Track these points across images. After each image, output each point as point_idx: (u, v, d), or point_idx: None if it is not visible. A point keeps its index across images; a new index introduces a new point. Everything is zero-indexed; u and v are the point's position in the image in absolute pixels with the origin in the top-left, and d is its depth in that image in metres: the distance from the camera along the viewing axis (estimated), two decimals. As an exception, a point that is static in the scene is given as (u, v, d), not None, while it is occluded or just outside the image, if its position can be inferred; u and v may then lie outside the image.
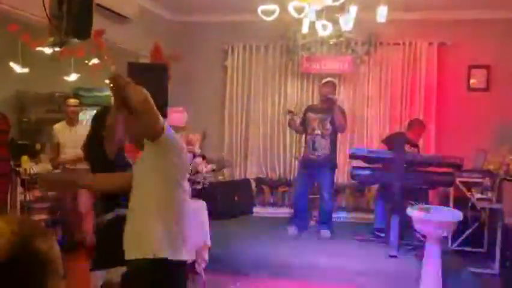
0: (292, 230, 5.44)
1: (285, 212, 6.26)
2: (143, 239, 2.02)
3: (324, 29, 4.53)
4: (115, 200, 2.59)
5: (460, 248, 4.94)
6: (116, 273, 2.42)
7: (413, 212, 3.93)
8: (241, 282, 4.21)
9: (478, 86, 6.05)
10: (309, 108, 5.55)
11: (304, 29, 4.78)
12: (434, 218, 3.80)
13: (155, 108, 1.95)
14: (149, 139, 2.01)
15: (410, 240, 4.86)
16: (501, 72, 5.93)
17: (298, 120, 5.47)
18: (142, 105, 1.96)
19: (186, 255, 2.11)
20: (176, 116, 4.47)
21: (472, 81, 6.08)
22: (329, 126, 5.29)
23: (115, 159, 2.75)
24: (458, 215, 3.83)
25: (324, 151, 5.27)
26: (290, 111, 5.39)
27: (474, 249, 4.99)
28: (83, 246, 4.89)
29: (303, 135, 5.59)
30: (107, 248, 2.51)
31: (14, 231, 0.98)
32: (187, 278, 2.27)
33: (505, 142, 5.53)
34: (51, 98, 6.45)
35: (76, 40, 2.88)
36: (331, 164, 5.36)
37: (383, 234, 5.14)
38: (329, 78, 5.47)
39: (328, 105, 5.22)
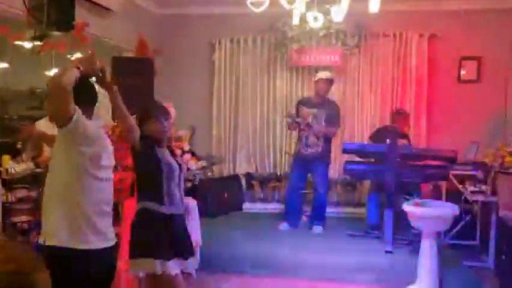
0: (284, 226, 5.35)
1: (275, 207, 6.16)
2: (44, 223, 2.12)
3: (316, 21, 4.41)
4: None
5: (452, 242, 4.89)
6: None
7: (409, 207, 3.85)
8: (234, 281, 4.10)
9: (468, 78, 6.00)
10: (302, 102, 5.45)
11: (295, 21, 4.65)
12: (430, 213, 3.73)
13: (67, 96, 1.95)
14: (57, 124, 2.06)
15: (405, 235, 4.79)
16: (492, 64, 5.88)
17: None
18: (53, 89, 2.01)
19: (100, 243, 2.14)
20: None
21: (462, 72, 6.02)
22: (323, 122, 5.22)
23: None
24: (455, 210, 3.77)
25: (317, 147, 5.21)
26: (291, 115, 5.27)
27: (467, 242, 4.95)
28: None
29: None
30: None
31: None
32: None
33: (496, 134, 5.50)
34: (32, 94, 6.23)
35: (57, 33, 2.74)
36: (325, 159, 5.29)
37: (375, 232, 5.08)
38: (322, 75, 5.35)
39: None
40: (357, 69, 6.19)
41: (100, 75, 2.26)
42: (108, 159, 2.26)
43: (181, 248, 2.76)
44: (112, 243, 2.25)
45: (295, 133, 5.58)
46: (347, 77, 6.23)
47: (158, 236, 2.64)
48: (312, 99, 5.40)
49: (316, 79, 5.37)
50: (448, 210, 3.73)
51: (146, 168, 2.76)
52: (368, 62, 6.16)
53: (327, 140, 5.28)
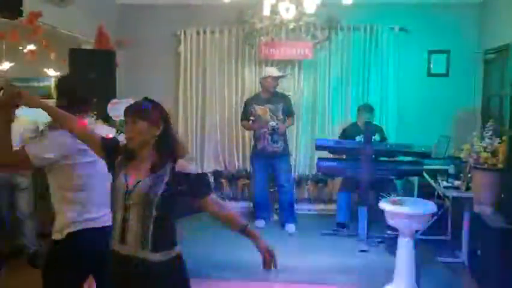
0: (260, 223, 5.23)
1: (245, 206, 5.99)
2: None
3: (287, 12, 4.21)
4: None
5: (424, 237, 4.85)
6: None
7: (385, 205, 3.74)
8: (202, 286, 3.88)
9: (438, 72, 5.98)
10: (251, 101, 5.42)
11: (266, 12, 4.45)
12: (408, 212, 3.63)
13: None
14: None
15: (379, 233, 4.72)
16: (460, 57, 5.88)
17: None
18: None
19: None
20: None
21: (432, 66, 5.99)
22: (281, 115, 5.24)
23: None
24: (432, 207, 3.69)
25: (281, 142, 5.24)
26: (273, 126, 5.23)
27: (437, 238, 4.93)
28: (22, 254, 4.44)
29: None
30: None
31: None
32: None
33: (466, 128, 5.50)
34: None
35: (2, 20, 2.42)
36: (287, 152, 5.36)
37: (344, 229, 4.99)
38: (273, 72, 5.33)
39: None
40: (327, 63, 6.04)
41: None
42: None
43: None
44: None
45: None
46: (316, 71, 6.08)
47: None
48: (260, 96, 5.38)
49: (266, 76, 5.30)
50: (427, 208, 3.64)
51: None
52: (339, 55, 6.03)
53: (285, 135, 5.37)
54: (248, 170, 6.16)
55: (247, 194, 6.18)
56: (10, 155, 2.14)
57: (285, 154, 5.31)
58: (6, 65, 4.63)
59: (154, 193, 1.87)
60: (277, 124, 5.16)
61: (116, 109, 3.95)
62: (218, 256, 4.31)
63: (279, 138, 5.18)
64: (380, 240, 4.67)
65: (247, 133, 6.16)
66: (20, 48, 4.59)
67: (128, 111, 1.95)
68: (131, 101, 4.02)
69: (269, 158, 5.25)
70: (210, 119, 6.24)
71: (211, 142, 6.26)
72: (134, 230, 1.88)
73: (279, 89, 5.47)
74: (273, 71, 5.34)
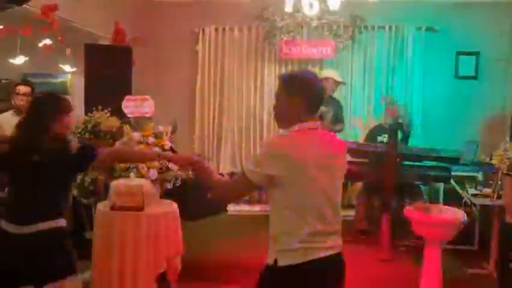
0: None
1: (261, 209, 5.80)
2: None
3: (311, 8, 4.04)
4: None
5: (450, 247, 4.60)
6: None
7: (411, 211, 3.52)
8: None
9: (466, 74, 5.74)
10: None
11: (288, 8, 4.27)
12: (437, 220, 3.40)
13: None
14: None
15: (403, 241, 4.48)
16: (490, 59, 5.63)
17: None
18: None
19: None
20: (142, 104, 3.89)
21: (460, 68, 5.75)
22: (329, 119, 5.04)
23: None
24: (462, 215, 3.45)
25: None
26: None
27: (464, 247, 4.67)
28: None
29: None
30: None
31: None
32: None
33: (494, 133, 5.27)
34: (-2, 86, 5.70)
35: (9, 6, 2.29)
36: None
37: (363, 237, 4.77)
38: (332, 75, 5.15)
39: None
40: (350, 63, 5.85)
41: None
42: None
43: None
44: None
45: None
46: (338, 71, 5.88)
47: None
48: None
49: (325, 76, 5.10)
50: (457, 216, 3.40)
51: None
52: (362, 55, 5.83)
53: None
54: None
55: (264, 198, 6.00)
56: None
57: None
58: (21, 59, 4.53)
59: None
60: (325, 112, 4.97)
61: (131, 106, 3.83)
62: (234, 260, 4.14)
63: None
64: (404, 249, 4.44)
65: (265, 134, 5.99)
66: (36, 43, 4.49)
67: None
68: (148, 99, 3.95)
69: None
70: (227, 119, 6.09)
71: (228, 143, 6.11)
72: None
73: None
74: (335, 75, 5.17)
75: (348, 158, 4.99)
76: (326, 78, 5.09)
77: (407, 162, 4.56)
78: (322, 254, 1.82)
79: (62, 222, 2.29)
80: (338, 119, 5.11)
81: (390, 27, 5.74)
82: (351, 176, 4.93)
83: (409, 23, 5.72)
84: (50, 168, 2.23)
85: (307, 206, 1.79)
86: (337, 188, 1.93)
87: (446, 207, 3.69)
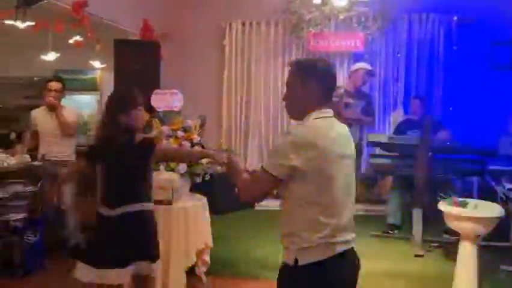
0: None
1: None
2: None
3: (340, -1, 3.96)
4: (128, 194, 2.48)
5: (485, 243, 4.45)
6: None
7: (446, 206, 3.41)
8: (246, 287, 3.70)
9: (501, 64, 5.53)
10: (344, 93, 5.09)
11: (316, 0, 4.20)
12: (472, 214, 3.29)
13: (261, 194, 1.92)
14: None
15: (435, 237, 4.37)
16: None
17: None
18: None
19: None
20: (172, 98, 3.91)
21: (495, 58, 5.55)
22: (359, 112, 4.96)
23: None
24: (499, 211, 3.33)
25: (355, 138, 4.81)
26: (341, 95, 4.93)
27: (500, 244, 4.51)
28: (65, 246, 4.41)
29: None
30: (107, 246, 2.48)
31: None
32: None
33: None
34: (30, 83, 5.83)
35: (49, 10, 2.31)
36: (359, 151, 5.01)
37: (396, 231, 4.67)
38: (363, 65, 5.05)
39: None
40: (380, 55, 5.72)
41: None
42: None
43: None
44: None
45: None
46: (368, 63, 5.75)
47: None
48: (347, 90, 5.04)
49: (356, 68, 5.06)
50: (494, 211, 3.29)
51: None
52: (392, 47, 5.69)
53: (362, 132, 5.08)
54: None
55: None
56: None
57: (357, 152, 4.94)
58: (52, 56, 4.61)
59: None
60: (349, 100, 4.88)
61: (160, 100, 3.85)
62: (263, 255, 4.10)
63: (352, 132, 4.83)
64: (436, 244, 4.32)
65: (292, 128, 5.93)
66: (67, 40, 4.56)
67: None
68: (177, 93, 3.96)
69: None
70: (254, 114, 6.06)
71: (255, 138, 6.08)
72: None
73: None
74: (363, 65, 5.09)
75: (378, 151, 4.96)
76: (356, 71, 5.01)
77: (439, 156, 4.44)
78: (341, 249, 1.74)
79: (146, 206, 2.51)
80: (368, 112, 4.99)
81: (420, 18, 5.58)
82: (381, 170, 4.85)
83: (441, 13, 5.54)
84: (122, 159, 2.44)
85: (331, 199, 1.70)
86: (353, 179, 1.85)
87: (482, 201, 3.57)
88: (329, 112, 1.80)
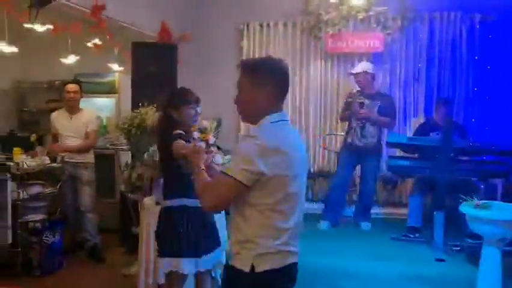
0: (324, 224, 4.93)
1: (307, 207, 5.60)
2: None
3: (357, -3, 3.89)
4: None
5: (510, 248, 4.30)
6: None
7: (468, 209, 3.31)
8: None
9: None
10: (352, 94, 5.06)
11: (332, -1, 4.14)
12: (495, 217, 3.18)
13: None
14: None
15: (457, 241, 4.25)
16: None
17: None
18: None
19: None
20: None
21: (519, 57, 5.39)
22: (376, 113, 4.84)
23: None
24: (525, 213, 3.21)
25: (373, 139, 4.84)
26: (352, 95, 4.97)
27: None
28: (83, 247, 4.45)
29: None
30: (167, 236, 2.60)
31: None
32: None
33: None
34: (51, 86, 5.90)
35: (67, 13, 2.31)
36: (378, 151, 4.94)
37: (417, 235, 4.56)
38: (358, 68, 4.94)
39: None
40: (400, 55, 5.62)
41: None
42: None
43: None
44: None
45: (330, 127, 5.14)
46: (388, 64, 5.67)
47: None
48: (362, 92, 4.97)
49: (356, 72, 4.98)
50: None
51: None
52: (412, 48, 5.58)
53: (380, 132, 4.95)
54: (311, 169, 5.87)
55: (310, 195, 5.89)
56: None
57: (376, 153, 4.90)
58: (72, 59, 4.66)
59: None
60: (363, 98, 4.80)
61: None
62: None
63: (369, 133, 4.82)
64: (458, 248, 4.20)
65: (311, 133, 5.88)
66: (86, 43, 4.60)
67: None
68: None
69: (358, 153, 4.90)
70: (272, 116, 5.99)
71: (273, 140, 6.02)
72: None
73: None
74: (358, 68, 4.98)
75: (399, 152, 4.86)
76: (357, 74, 4.94)
77: (462, 157, 4.33)
78: (293, 260, 1.72)
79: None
80: (387, 113, 4.86)
81: (442, 17, 5.45)
82: (400, 172, 4.75)
83: (463, 12, 5.41)
84: (163, 155, 2.64)
85: (289, 205, 1.66)
86: (305, 187, 1.79)
87: (506, 204, 3.44)
88: (285, 115, 1.75)
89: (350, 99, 4.92)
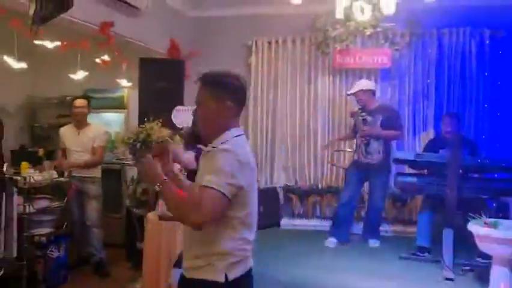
0: (331, 242, 4.85)
1: (315, 224, 5.63)
2: None
3: (362, 12, 3.89)
4: None
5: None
6: None
7: (476, 227, 3.24)
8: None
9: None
10: (359, 111, 5.03)
11: (338, 15, 4.15)
12: (504, 236, 3.10)
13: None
14: None
15: (467, 260, 4.14)
16: None
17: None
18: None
19: None
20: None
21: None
22: (379, 128, 4.78)
23: None
24: (535, 232, 3.13)
25: (378, 155, 4.77)
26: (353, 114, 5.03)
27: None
28: (89, 262, 4.45)
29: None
30: None
31: None
32: None
33: None
34: (62, 102, 6.00)
35: (56, 14, 2.38)
36: (386, 167, 4.84)
37: (426, 254, 4.47)
38: (356, 87, 4.90)
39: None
40: (408, 71, 5.58)
41: None
42: None
43: None
44: None
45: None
46: (396, 81, 5.64)
47: None
48: (364, 109, 4.93)
49: (349, 93, 4.99)
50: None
51: None
52: (421, 64, 5.54)
53: (388, 148, 4.83)
54: (319, 186, 5.83)
55: (318, 212, 5.83)
56: None
57: (383, 169, 4.80)
58: (81, 74, 4.73)
59: None
60: (365, 115, 4.77)
61: (181, 116, 3.88)
62: (286, 276, 3.97)
63: (373, 149, 4.76)
64: (468, 268, 4.09)
65: (319, 147, 5.85)
66: (94, 59, 4.67)
67: None
68: (190, 110, 3.98)
69: (364, 171, 4.84)
70: (280, 132, 5.99)
71: (281, 156, 6.01)
72: None
73: None
74: (356, 87, 4.92)
75: (407, 169, 4.79)
76: (354, 94, 4.91)
77: (472, 174, 4.25)
78: (252, 262, 1.82)
79: None
80: (390, 125, 4.77)
81: (450, 32, 5.42)
82: (408, 189, 4.67)
83: (472, 27, 5.37)
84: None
85: (253, 217, 1.74)
86: None
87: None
88: (241, 130, 1.78)
89: (353, 118, 4.93)
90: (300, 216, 5.83)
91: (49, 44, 3.99)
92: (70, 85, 5.38)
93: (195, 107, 3.90)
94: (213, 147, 1.70)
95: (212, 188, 1.58)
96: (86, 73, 4.77)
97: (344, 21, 4.72)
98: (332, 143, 5.63)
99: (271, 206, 5.73)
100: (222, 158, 1.62)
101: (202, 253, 1.69)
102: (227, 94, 1.72)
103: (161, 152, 1.94)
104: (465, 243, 4.13)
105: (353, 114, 5.02)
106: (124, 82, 5.12)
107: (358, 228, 5.19)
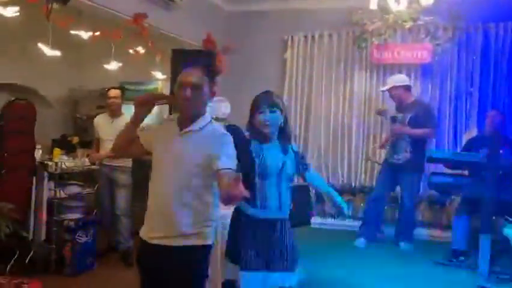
0: (360, 242, 4.71)
1: (347, 224, 5.46)
2: None
3: (398, 3, 3.72)
4: None
5: None
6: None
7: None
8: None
9: None
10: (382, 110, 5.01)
11: (372, 5, 4.00)
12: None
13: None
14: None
15: (505, 268, 3.88)
16: None
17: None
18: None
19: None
20: (219, 106, 3.90)
21: None
22: (408, 126, 4.62)
23: None
24: None
25: (405, 154, 4.60)
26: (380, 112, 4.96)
27: None
28: (117, 250, 4.51)
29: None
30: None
31: None
32: None
33: None
34: (102, 94, 6.16)
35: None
36: (415, 168, 4.63)
37: (462, 258, 4.22)
38: (391, 82, 4.76)
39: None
40: (450, 67, 5.31)
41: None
42: None
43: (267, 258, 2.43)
44: None
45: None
46: (437, 77, 5.38)
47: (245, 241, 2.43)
48: (400, 106, 4.79)
49: (386, 89, 4.83)
50: None
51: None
52: (463, 60, 5.26)
53: (418, 146, 4.61)
54: (352, 185, 5.66)
55: (351, 212, 5.66)
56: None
57: (412, 169, 4.62)
58: (115, 65, 4.81)
59: None
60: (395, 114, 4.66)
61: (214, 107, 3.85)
62: (318, 277, 3.86)
63: (401, 148, 4.62)
64: (507, 277, 3.82)
65: (353, 142, 5.69)
66: (129, 51, 4.74)
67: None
68: (224, 100, 3.94)
69: (393, 170, 4.71)
70: (314, 128, 5.87)
71: (314, 152, 5.88)
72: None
73: None
74: (390, 82, 4.82)
75: (444, 169, 4.55)
76: (388, 90, 4.75)
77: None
78: None
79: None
80: (419, 122, 4.59)
81: (496, 26, 5.11)
82: (443, 190, 4.45)
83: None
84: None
85: None
86: None
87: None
88: None
89: (382, 116, 4.77)
90: (332, 215, 5.68)
91: (84, 34, 4.07)
92: (106, 78, 5.51)
93: (221, 97, 3.89)
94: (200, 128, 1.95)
95: (234, 170, 1.81)
96: (120, 64, 4.84)
97: (382, 14, 4.54)
98: (379, 146, 5.42)
99: (303, 204, 5.59)
100: (228, 142, 1.89)
101: (194, 221, 1.93)
102: (214, 80, 2.02)
103: None
104: (505, 250, 3.88)
105: (379, 112, 4.85)
106: (158, 74, 5.17)
107: (392, 230, 5.00)
